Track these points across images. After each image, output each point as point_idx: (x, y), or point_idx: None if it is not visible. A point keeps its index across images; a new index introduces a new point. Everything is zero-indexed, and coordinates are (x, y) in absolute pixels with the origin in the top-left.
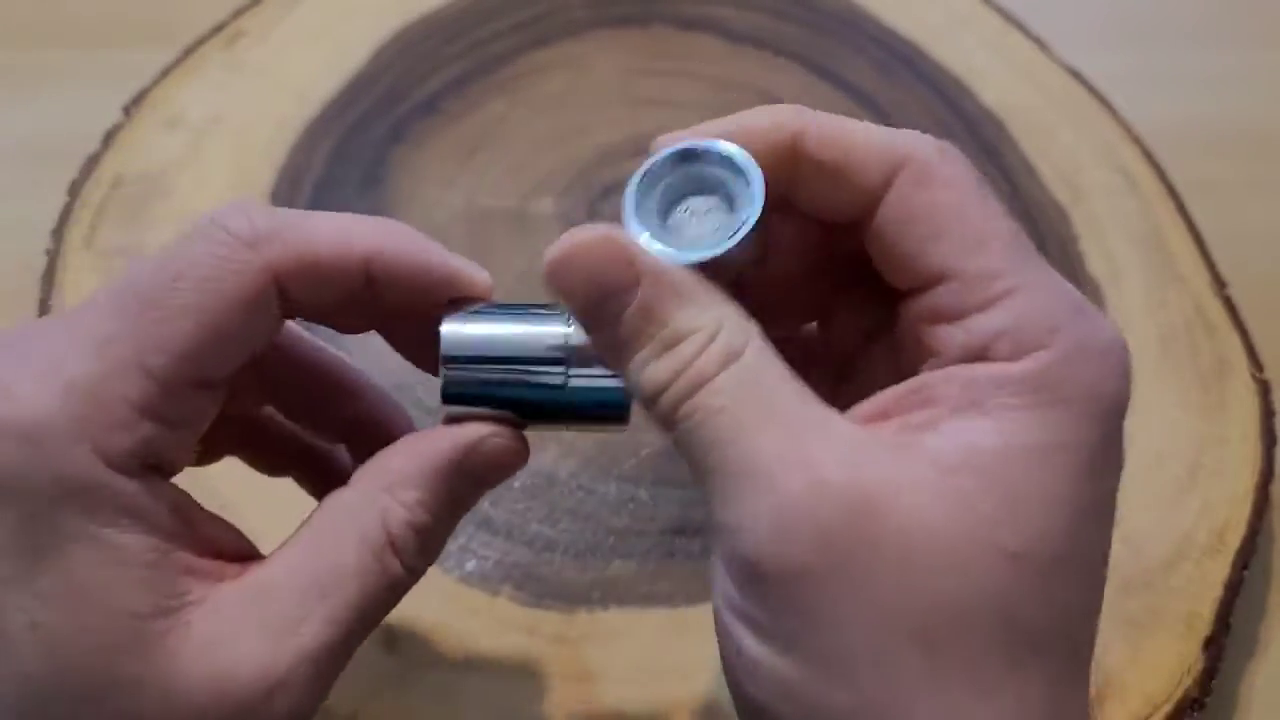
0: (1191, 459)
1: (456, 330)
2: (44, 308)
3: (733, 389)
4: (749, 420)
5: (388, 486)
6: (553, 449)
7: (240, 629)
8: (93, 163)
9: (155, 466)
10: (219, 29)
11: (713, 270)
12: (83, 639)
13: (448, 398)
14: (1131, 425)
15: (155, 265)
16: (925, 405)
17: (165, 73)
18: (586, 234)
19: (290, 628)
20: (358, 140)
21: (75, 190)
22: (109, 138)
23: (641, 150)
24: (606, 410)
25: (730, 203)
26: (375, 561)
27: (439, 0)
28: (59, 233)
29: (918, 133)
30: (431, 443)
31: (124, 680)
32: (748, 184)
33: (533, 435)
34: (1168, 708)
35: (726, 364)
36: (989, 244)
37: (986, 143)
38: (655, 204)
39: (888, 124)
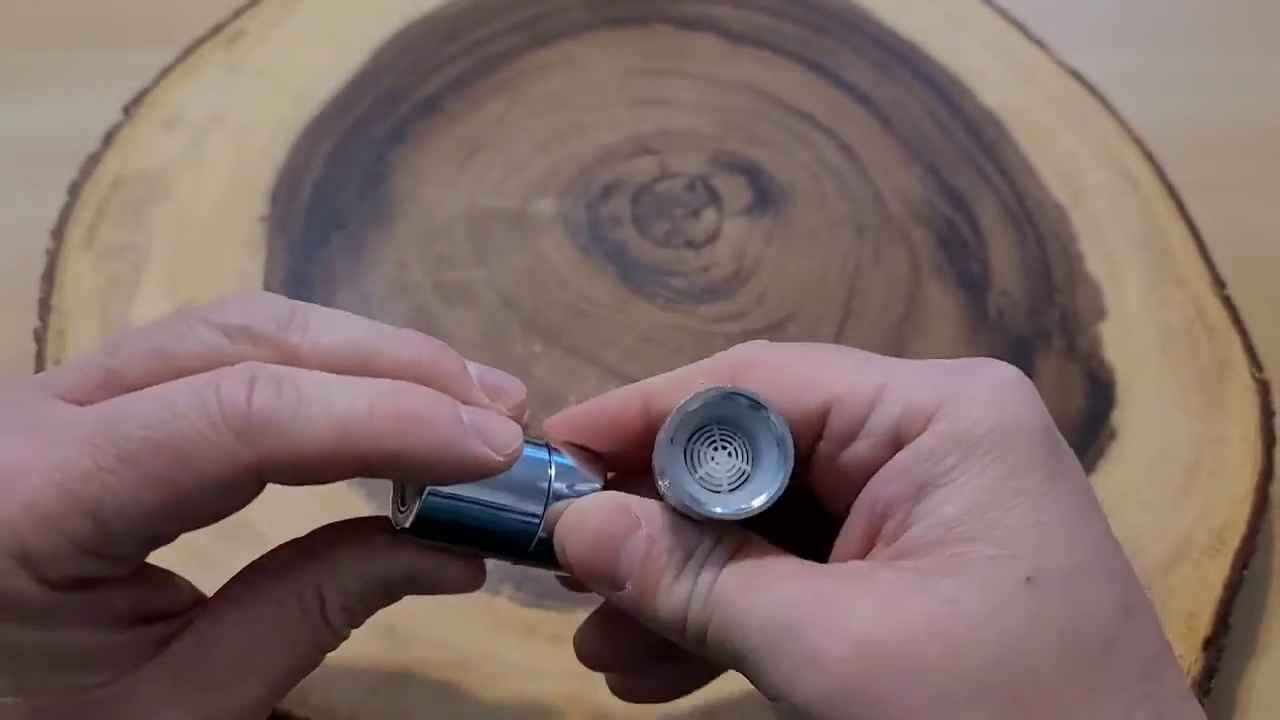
0: (1191, 459)
1: (436, 504)
2: (44, 307)
3: (742, 573)
4: (762, 593)
5: (334, 569)
6: None
7: (174, 695)
8: (93, 162)
9: (91, 584)
10: (219, 29)
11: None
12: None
13: (416, 531)
14: (1132, 425)
15: (143, 414)
16: (887, 515)
17: (165, 72)
18: (586, 505)
19: (223, 690)
20: (358, 140)
21: (75, 190)
22: (109, 137)
23: (641, 150)
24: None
25: (749, 442)
26: (309, 633)
27: (439, 0)
28: (59, 232)
29: (740, 346)
30: (386, 547)
31: None
32: (775, 441)
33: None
34: None
35: (730, 558)
36: (841, 368)
37: (986, 143)
38: (684, 434)
39: (888, 125)
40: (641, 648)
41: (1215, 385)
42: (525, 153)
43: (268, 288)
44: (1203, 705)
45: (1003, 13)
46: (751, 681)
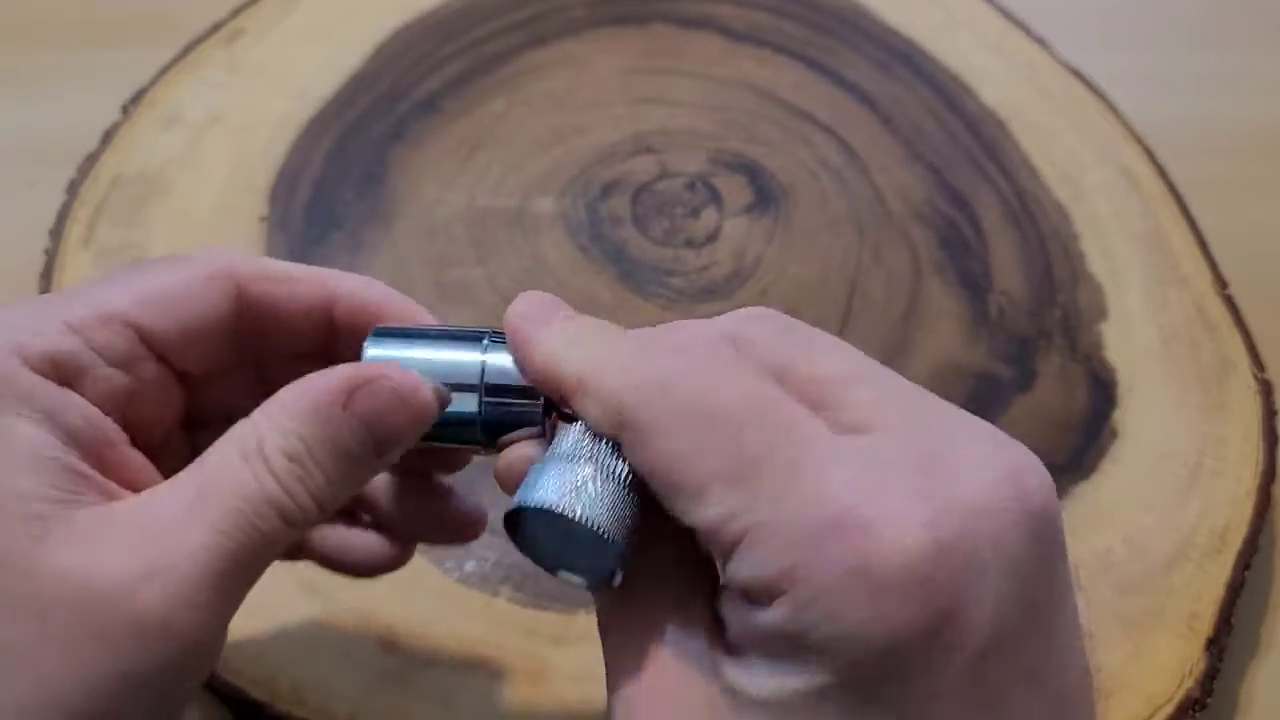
0: (1193, 459)
1: (379, 354)
2: None
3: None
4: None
5: (269, 414)
6: None
7: (119, 530)
8: (91, 162)
9: (72, 383)
10: (218, 28)
11: None
12: None
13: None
14: (1133, 425)
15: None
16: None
17: (164, 71)
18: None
19: (167, 529)
20: (357, 139)
21: (74, 189)
22: (107, 137)
23: (641, 149)
24: (520, 431)
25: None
26: (249, 473)
27: (438, 0)
28: (57, 232)
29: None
30: (324, 377)
31: None
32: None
33: None
34: (1169, 708)
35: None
36: (708, 490)
37: (988, 142)
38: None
39: (888, 124)
40: None
41: (1217, 385)
42: (525, 152)
43: None
44: (1205, 706)
45: (1004, 12)
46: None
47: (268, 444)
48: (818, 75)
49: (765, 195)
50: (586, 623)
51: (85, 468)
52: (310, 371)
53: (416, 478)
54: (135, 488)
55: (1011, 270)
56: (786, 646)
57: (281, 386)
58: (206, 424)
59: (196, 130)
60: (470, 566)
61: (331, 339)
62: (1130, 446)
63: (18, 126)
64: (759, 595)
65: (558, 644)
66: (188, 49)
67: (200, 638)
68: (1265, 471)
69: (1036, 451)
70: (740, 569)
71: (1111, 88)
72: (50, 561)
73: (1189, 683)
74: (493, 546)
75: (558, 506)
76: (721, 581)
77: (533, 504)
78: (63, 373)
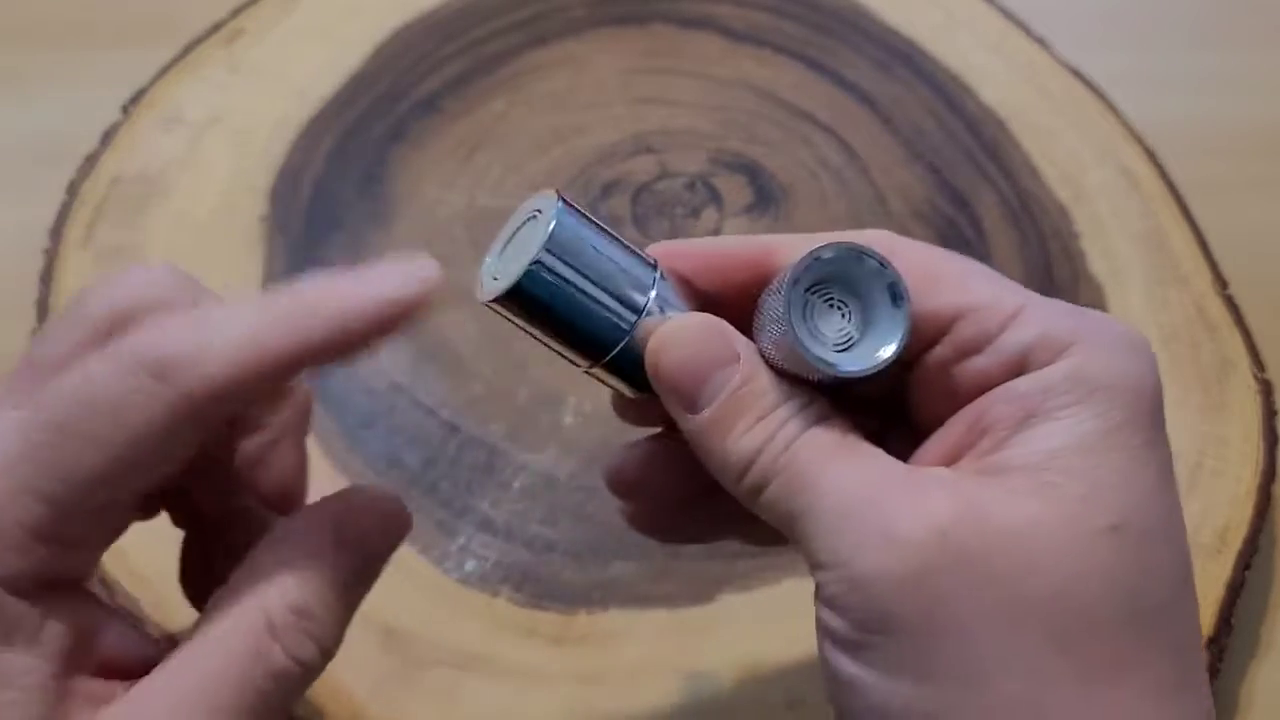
0: (1193, 459)
1: (567, 224)
2: (42, 307)
3: (825, 441)
4: (844, 460)
5: (266, 576)
6: (552, 449)
7: None
8: (91, 162)
9: (53, 584)
10: (218, 28)
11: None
12: None
13: (520, 287)
14: None
15: (63, 388)
16: (986, 433)
17: (164, 72)
18: (680, 323)
19: None
20: (357, 139)
21: (74, 190)
22: (107, 137)
23: (641, 149)
24: (641, 374)
25: (864, 310)
26: (252, 653)
27: (438, 0)
28: (57, 232)
29: (871, 231)
30: (305, 522)
31: None
32: (892, 304)
33: (532, 436)
34: None
35: (814, 425)
36: (978, 279)
37: (988, 142)
38: (807, 282)
39: (888, 124)
40: (681, 485)
41: (1217, 385)
42: (525, 152)
43: (267, 287)
44: None
45: (1004, 12)
46: (799, 542)
47: (273, 607)
48: (818, 75)
49: (765, 195)
50: (586, 622)
51: (74, 682)
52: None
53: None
54: (120, 658)
55: (1012, 270)
56: (1078, 391)
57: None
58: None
59: (197, 130)
60: (470, 566)
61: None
62: None
63: (17, 126)
64: (1044, 358)
65: (558, 644)
66: (188, 49)
67: None
68: (1265, 471)
69: None
70: (1021, 335)
71: (1111, 88)
72: None
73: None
74: (492, 546)
75: None
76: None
77: None
78: (42, 582)
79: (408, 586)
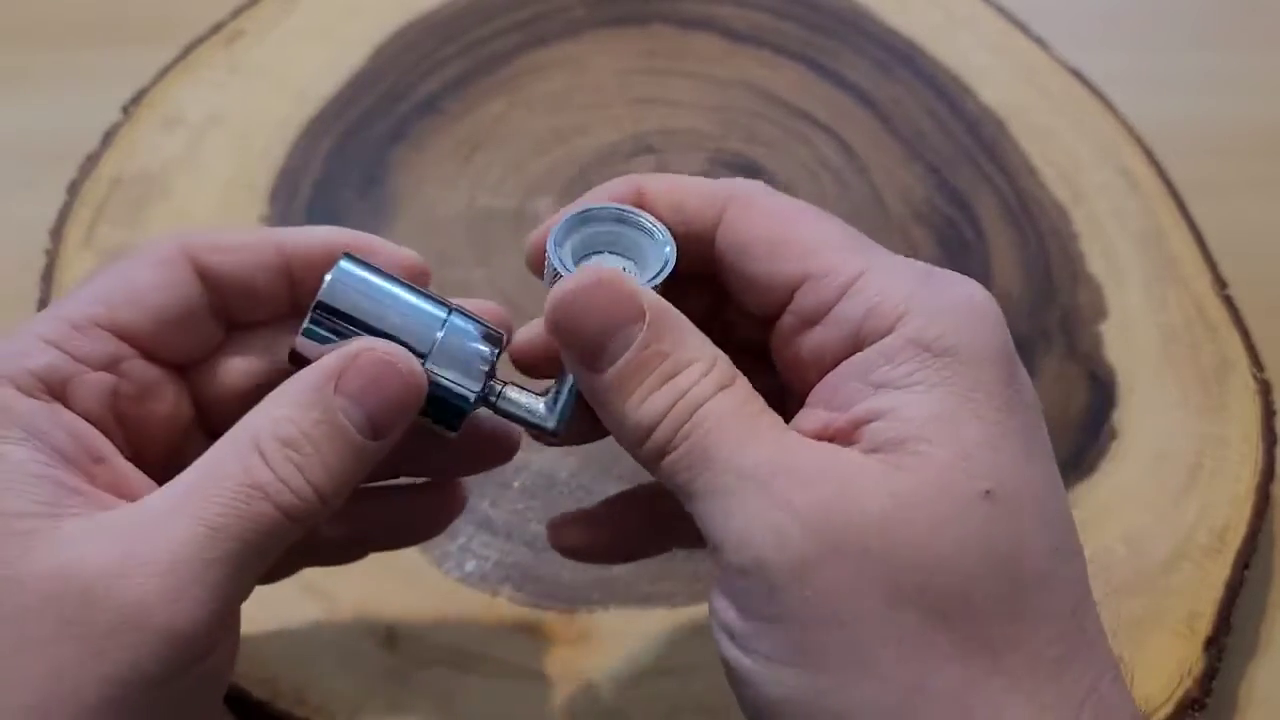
0: (1192, 459)
1: (348, 276)
2: (43, 307)
3: (725, 412)
4: (741, 438)
5: (263, 405)
6: (553, 449)
7: (103, 531)
8: (92, 162)
9: (62, 394)
10: (218, 28)
11: None
12: None
13: (296, 346)
14: (1133, 425)
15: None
16: (844, 409)
17: (164, 72)
18: (590, 275)
19: (150, 524)
20: (357, 140)
21: (75, 190)
22: (108, 137)
23: (641, 149)
24: (446, 413)
25: (638, 259)
26: (240, 464)
27: (438, 0)
28: (58, 232)
29: (742, 179)
30: (316, 363)
31: None
32: (652, 236)
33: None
34: (1168, 708)
35: (719, 390)
36: (826, 244)
37: (987, 142)
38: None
39: (888, 124)
40: (624, 540)
41: (1216, 385)
42: (525, 152)
43: None
44: (1204, 706)
45: (1004, 12)
46: (695, 517)
47: (262, 433)
48: (818, 75)
49: None
50: (586, 622)
51: (76, 482)
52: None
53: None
54: (131, 489)
55: (1011, 270)
56: (921, 358)
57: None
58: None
59: (197, 131)
60: (470, 566)
61: (296, 297)
62: (1129, 446)
63: (18, 126)
64: (879, 328)
65: (558, 644)
66: (188, 50)
67: (186, 631)
68: (1264, 471)
69: None
70: (855, 306)
71: (1111, 88)
72: (34, 568)
73: (1188, 682)
74: (493, 546)
75: None
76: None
77: None
78: (50, 387)
79: (408, 586)
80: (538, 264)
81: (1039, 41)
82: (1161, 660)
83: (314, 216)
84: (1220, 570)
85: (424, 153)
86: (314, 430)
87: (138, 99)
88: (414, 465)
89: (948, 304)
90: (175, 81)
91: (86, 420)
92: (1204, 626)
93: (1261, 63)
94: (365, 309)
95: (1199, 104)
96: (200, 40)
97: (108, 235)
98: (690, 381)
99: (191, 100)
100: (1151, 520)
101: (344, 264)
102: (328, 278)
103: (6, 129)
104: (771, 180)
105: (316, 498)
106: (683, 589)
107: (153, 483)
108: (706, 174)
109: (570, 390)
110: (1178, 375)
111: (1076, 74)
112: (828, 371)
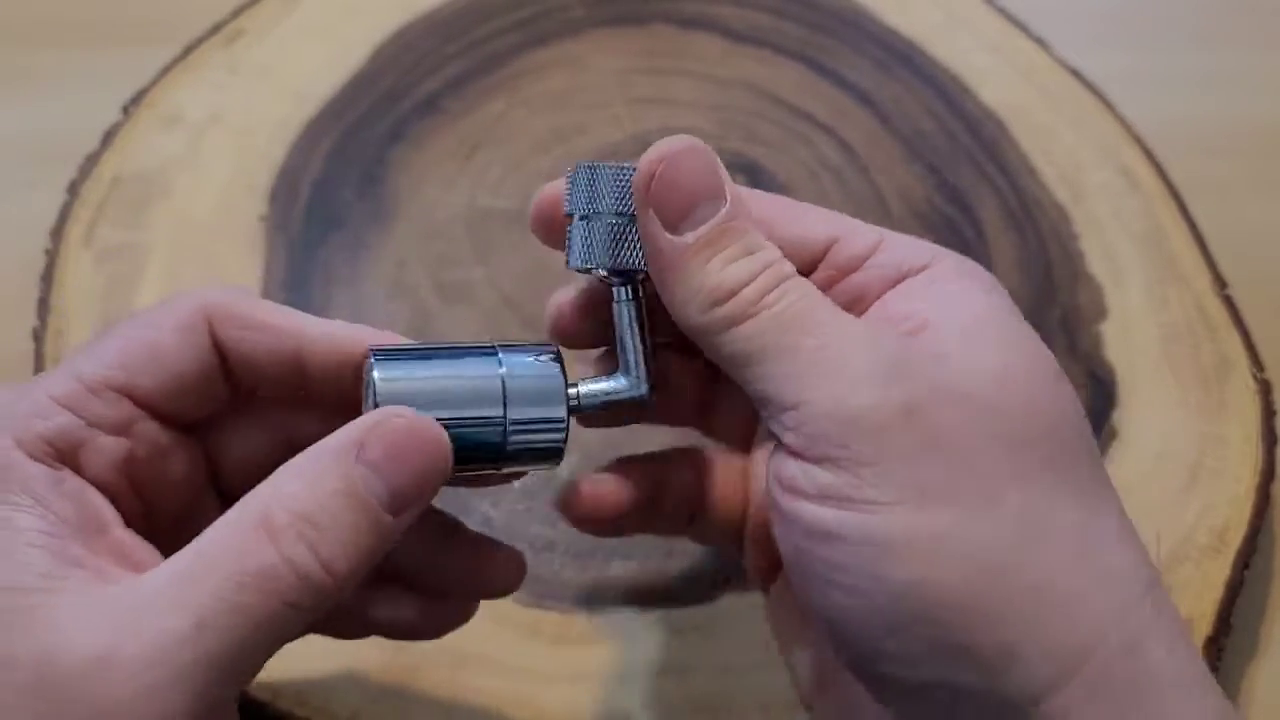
0: (1192, 459)
1: (391, 378)
2: (43, 307)
3: (804, 288)
4: (834, 307)
5: (278, 476)
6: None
7: (96, 612)
8: (92, 162)
9: (72, 460)
10: (218, 28)
11: None
12: None
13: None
14: (1132, 425)
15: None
16: (902, 322)
17: (164, 72)
18: (687, 141)
19: (143, 609)
20: (357, 140)
21: (74, 189)
22: (108, 137)
23: (642, 149)
24: (543, 451)
25: None
26: (239, 545)
27: (438, 0)
28: (58, 232)
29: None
30: (336, 433)
31: None
32: None
33: None
34: None
35: (794, 275)
36: (839, 215)
37: (987, 142)
38: None
39: (888, 124)
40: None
41: (1216, 385)
42: (525, 152)
43: (267, 287)
44: None
45: (1003, 12)
46: (761, 383)
47: (273, 506)
48: (818, 75)
49: None
50: (586, 623)
51: (78, 552)
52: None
53: (441, 528)
54: (138, 569)
55: (1011, 270)
56: (958, 278)
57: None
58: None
59: (197, 130)
60: None
61: (306, 383)
62: (1130, 446)
63: (18, 126)
64: (915, 268)
65: (558, 644)
66: (188, 49)
67: None
68: (1264, 471)
69: None
70: (890, 257)
71: (1111, 88)
72: (21, 650)
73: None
74: None
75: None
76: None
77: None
78: (61, 452)
79: None
80: (549, 213)
81: (1039, 41)
82: None
83: (314, 216)
84: (1220, 570)
85: (424, 152)
86: (330, 502)
87: (138, 99)
88: (426, 578)
89: (960, 260)
90: (175, 81)
91: (97, 485)
92: (1204, 626)
93: (1261, 63)
94: (422, 394)
95: (1199, 104)
96: (200, 40)
97: (108, 235)
98: (774, 256)
99: (191, 100)
100: (1151, 520)
101: (378, 364)
102: (375, 378)
103: (6, 129)
104: (772, 180)
105: (329, 580)
106: (683, 589)
107: (156, 552)
108: None
109: (638, 353)
110: (1178, 375)
111: (1076, 74)
112: (870, 306)
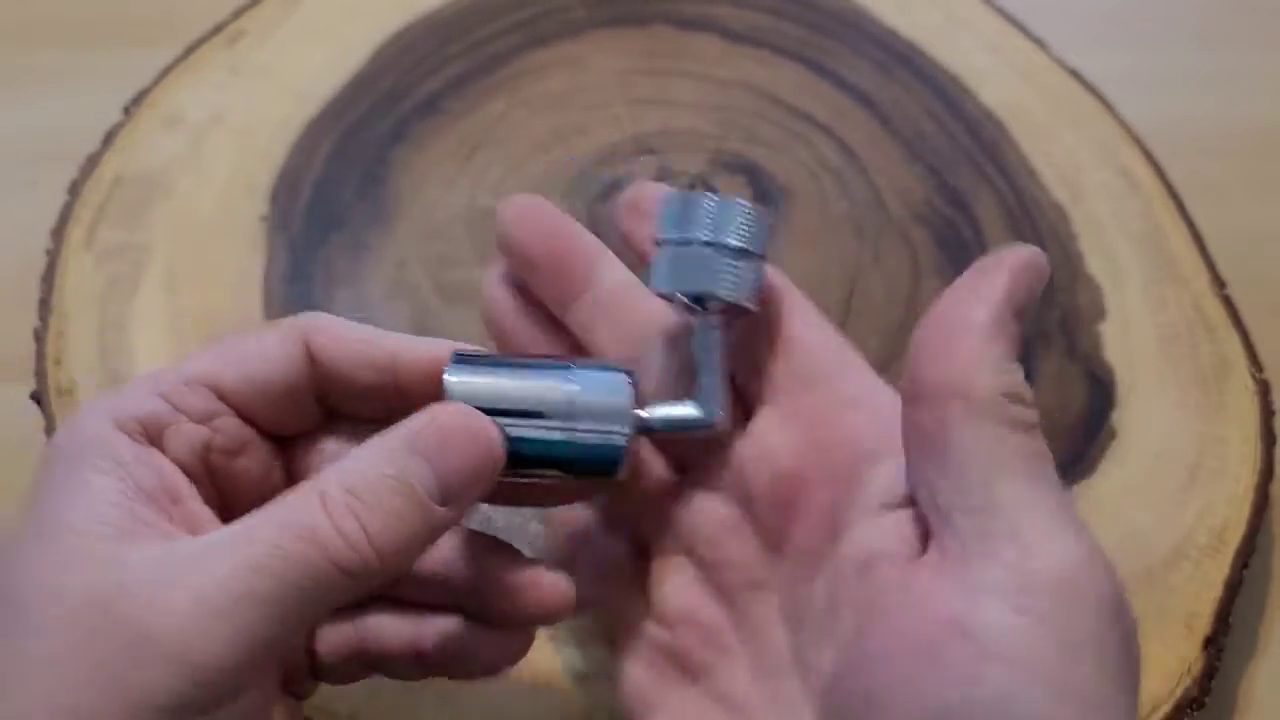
0: (1191, 459)
1: (461, 380)
2: (44, 307)
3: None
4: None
5: (334, 464)
6: None
7: (156, 558)
8: (93, 162)
9: (158, 439)
10: (219, 28)
11: None
12: (10, 526)
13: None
14: (1132, 425)
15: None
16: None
17: (165, 72)
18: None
19: (199, 557)
20: (358, 140)
21: (75, 190)
22: (109, 137)
23: (641, 149)
24: (601, 464)
25: None
26: (299, 508)
27: (439, 0)
28: (59, 232)
29: None
30: (394, 427)
31: (17, 557)
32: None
33: None
34: (1167, 708)
35: None
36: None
37: (986, 143)
38: None
39: (887, 125)
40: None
41: (1215, 385)
42: (525, 153)
43: (267, 287)
44: (1203, 705)
45: (1003, 13)
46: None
47: (329, 479)
48: (818, 76)
49: (765, 196)
50: (588, 623)
51: (151, 515)
52: None
53: (494, 552)
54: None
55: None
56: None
57: None
58: None
59: (198, 131)
60: None
61: (404, 403)
62: (1129, 446)
63: (18, 126)
64: None
65: (559, 644)
66: (189, 50)
67: (203, 665)
68: (1263, 471)
69: None
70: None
71: (1111, 88)
72: (75, 580)
73: (1187, 682)
74: None
75: None
76: None
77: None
78: (150, 432)
79: None
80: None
81: (1038, 42)
82: (1161, 659)
83: (315, 216)
84: (1219, 570)
85: (424, 153)
86: (380, 484)
87: (139, 99)
88: (480, 601)
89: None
90: (176, 82)
91: (177, 464)
92: (1203, 626)
93: (1261, 63)
94: (490, 397)
95: (1199, 104)
96: (201, 40)
97: (109, 235)
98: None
99: (192, 100)
100: (1151, 520)
101: (454, 365)
102: (446, 378)
103: (7, 129)
104: (772, 180)
105: (373, 552)
106: None
107: (220, 524)
108: (706, 175)
109: (713, 381)
110: (1177, 375)
111: (1076, 74)
112: None
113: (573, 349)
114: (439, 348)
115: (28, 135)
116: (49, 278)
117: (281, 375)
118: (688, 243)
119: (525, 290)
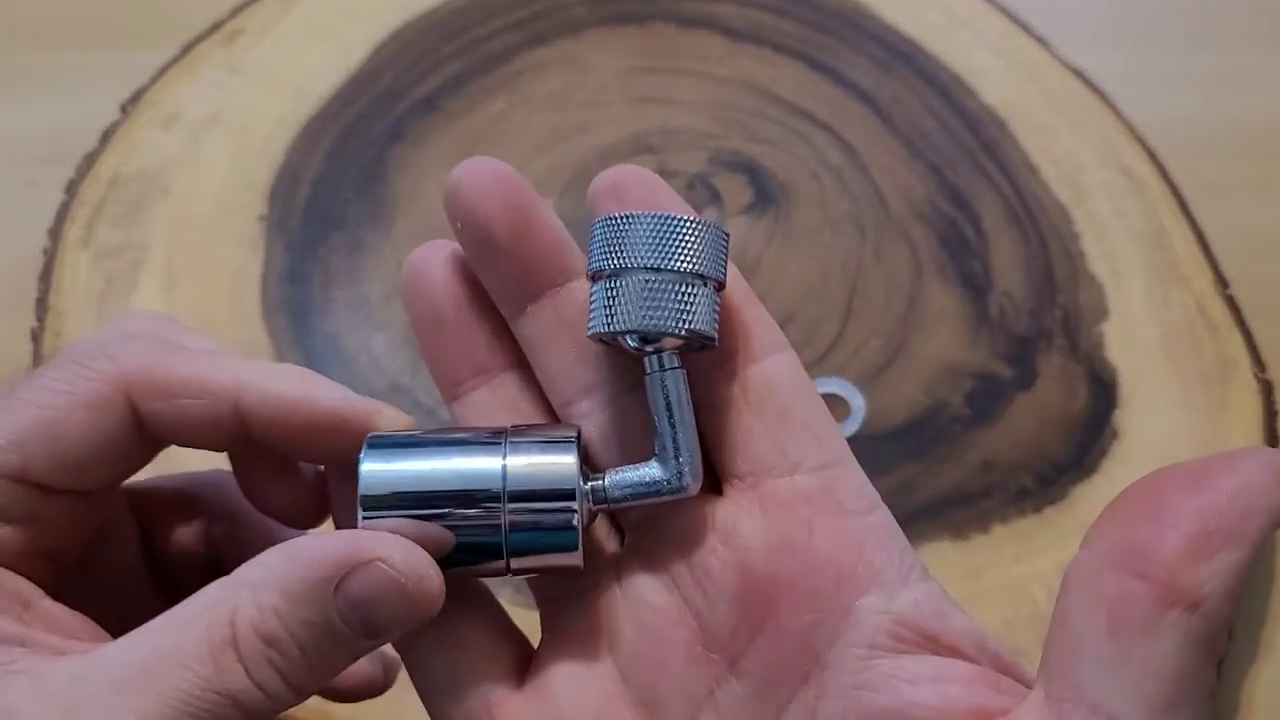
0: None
1: (380, 468)
2: (41, 307)
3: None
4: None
5: (250, 582)
6: None
7: (51, 698)
8: (90, 161)
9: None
10: (217, 27)
11: None
12: None
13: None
14: (1134, 425)
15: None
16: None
17: (163, 71)
18: None
19: (98, 699)
20: (357, 139)
21: (73, 189)
22: (107, 136)
23: (642, 149)
24: (553, 550)
25: None
26: (209, 658)
27: None
28: (56, 231)
29: None
30: (318, 549)
31: None
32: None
33: None
34: None
35: None
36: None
37: (988, 141)
38: None
39: (888, 123)
40: None
41: (1218, 384)
42: (525, 151)
43: (265, 287)
44: None
45: (1005, 11)
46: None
47: (242, 622)
48: (818, 74)
49: (765, 195)
50: None
51: (15, 629)
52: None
53: None
54: (77, 637)
55: (1012, 270)
56: None
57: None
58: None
59: (196, 130)
60: None
61: (246, 439)
62: (1131, 446)
63: (17, 126)
64: None
65: None
66: (187, 49)
67: None
68: None
69: (1037, 451)
70: None
71: (1112, 88)
72: None
73: None
74: None
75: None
76: None
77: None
78: None
79: None
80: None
81: (1040, 40)
82: None
83: (313, 216)
84: None
85: (423, 152)
86: (303, 631)
87: (136, 98)
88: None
89: None
90: (174, 80)
91: (11, 568)
92: None
93: (1261, 63)
94: (412, 493)
95: (1200, 104)
96: (199, 39)
97: (106, 234)
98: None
99: (190, 99)
100: None
101: (370, 450)
102: (362, 471)
103: (5, 129)
104: (772, 179)
105: (290, 693)
106: None
107: (83, 619)
108: (706, 173)
109: (677, 436)
110: (1179, 375)
111: (1078, 73)
112: None
113: (515, 367)
114: (296, 404)
115: (26, 135)
116: (46, 277)
117: (100, 448)
118: (628, 271)
119: (473, 281)
